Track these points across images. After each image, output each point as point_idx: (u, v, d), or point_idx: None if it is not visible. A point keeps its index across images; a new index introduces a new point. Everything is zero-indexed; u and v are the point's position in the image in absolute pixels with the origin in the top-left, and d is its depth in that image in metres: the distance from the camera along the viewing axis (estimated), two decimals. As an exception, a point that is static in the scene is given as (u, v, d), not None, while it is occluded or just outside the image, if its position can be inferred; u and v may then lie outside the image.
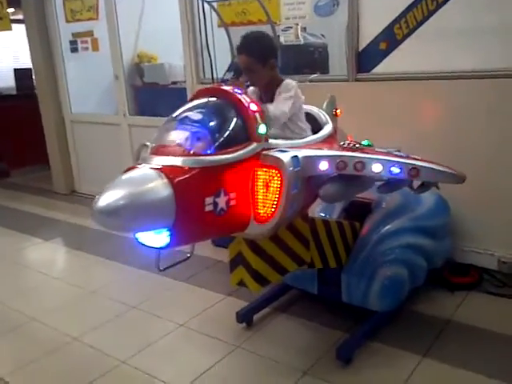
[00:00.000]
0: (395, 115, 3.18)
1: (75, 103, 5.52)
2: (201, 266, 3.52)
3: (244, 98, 1.85)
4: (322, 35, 3.67)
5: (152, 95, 4.98)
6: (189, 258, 2.15)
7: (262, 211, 1.85)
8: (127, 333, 2.77)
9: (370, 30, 3.27)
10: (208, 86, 2.03)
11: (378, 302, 2.50)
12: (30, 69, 6.10)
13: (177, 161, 1.64)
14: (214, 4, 3.93)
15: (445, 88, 3.01)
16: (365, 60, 3.32)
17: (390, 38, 3.19)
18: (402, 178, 1.90)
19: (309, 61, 3.69)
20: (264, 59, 2.22)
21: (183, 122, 1.80)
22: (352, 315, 2.65)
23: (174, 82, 4.99)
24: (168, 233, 1.62)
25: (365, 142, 2.25)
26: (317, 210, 2.78)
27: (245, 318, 2.71)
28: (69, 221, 4.78)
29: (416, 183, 2.09)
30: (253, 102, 1.87)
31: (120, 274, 3.49)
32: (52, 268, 3.77)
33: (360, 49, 3.32)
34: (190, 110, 1.86)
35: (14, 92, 7.52)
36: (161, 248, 1.70)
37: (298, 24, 3.54)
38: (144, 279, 3.40)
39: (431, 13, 3.00)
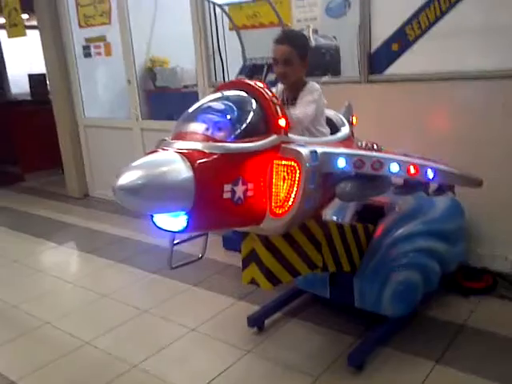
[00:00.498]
0: (408, 117, 3.15)
1: (88, 108, 5.58)
2: (212, 270, 3.52)
3: (265, 92, 1.87)
4: (334, 37, 3.65)
5: (164, 99, 5.00)
6: (200, 258, 2.16)
7: (278, 205, 1.84)
8: (139, 337, 2.77)
9: (381, 31, 3.25)
10: (231, 80, 2.06)
11: (391, 307, 2.47)
12: (44, 74, 6.18)
13: (198, 145, 1.66)
14: (226, 7, 3.94)
15: (459, 89, 2.97)
16: (377, 61, 3.30)
17: (402, 39, 3.16)
18: (419, 179, 1.88)
19: (320, 63, 3.66)
20: (304, 54, 2.25)
21: (206, 111, 1.83)
22: (364, 320, 2.62)
23: (186, 86, 5.00)
24: (186, 216, 1.63)
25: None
26: (329, 213, 2.75)
27: (256, 322, 2.69)
28: (82, 225, 4.82)
29: (432, 187, 2.07)
30: (274, 95, 1.89)
31: (132, 278, 3.50)
32: (65, 272, 3.79)
33: (372, 50, 3.30)
34: (212, 100, 1.89)
35: (29, 97, 7.62)
36: (177, 232, 1.71)
37: (309, 26, 3.52)
38: (156, 283, 3.41)
39: (444, 13, 2.97)
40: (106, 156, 5.37)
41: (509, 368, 2.25)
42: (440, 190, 2.05)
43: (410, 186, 2.04)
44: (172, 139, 1.75)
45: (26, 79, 7.81)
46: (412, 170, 1.86)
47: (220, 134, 1.73)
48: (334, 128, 2.43)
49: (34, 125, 6.55)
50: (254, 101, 1.87)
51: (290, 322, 2.76)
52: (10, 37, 5.78)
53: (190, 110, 1.88)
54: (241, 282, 3.26)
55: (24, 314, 3.09)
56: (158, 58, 5.27)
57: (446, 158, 2.73)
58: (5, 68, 8.56)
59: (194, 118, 1.82)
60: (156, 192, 1.53)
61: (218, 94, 1.94)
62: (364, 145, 2.13)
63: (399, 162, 1.87)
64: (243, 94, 1.91)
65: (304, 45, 2.29)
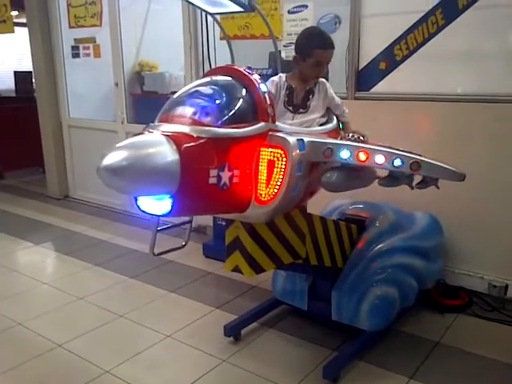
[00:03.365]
0: (392, 135, 3.18)
1: (73, 108, 5.53)
2: (191, 277, 3.50)
3: (255, 79, 1.87)
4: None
5: (151, 104, 4.93)
6: (184, 246, 2.13)
7: (264, 192, 1.84)
8: (113, 342, 2.73)
9: (370, 50, 3.31)
10: (221, 65, 2.05)
11: (368, 321, 2.49)
12: (31, 72, 6.11)
13: (185, 129, 1.65)
14: (218, 17, 3.96)
15: (443, 110, 3.04)
16: (364, 79, 3.35)
17: (390, 59, 3.23)
18: (404, 171, 1.90)
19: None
20: None
21: (193, 95, 1.81)
22: (341, 333, 2.63)
23: (174, 92, 4.99)
24: (170, 200, 1.61)
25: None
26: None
27: (232, 331, 2.68)
28: (61, 226, 4.75)
29: (416, 180, 2.09)
30: (262, 82, 1.89)
31: (109, 282, 3.46)
32: (41, 273, 3.72)
33: (360, 68, 3.35)
34: (200, 85, 1.87)
35: (14, 94, 7.52)
36: (161, 215, 1.69)
37: (299, 40, 3.56)
38: (133, 288, 3.37)
39: (432, 35, 3.04)
40: (89, 158, 5.29)
41: (480, 386, 2.28)
42: (424, 183, 2.06)
43: (395, 177, 2.06)
44: (159, 122, 1.73)
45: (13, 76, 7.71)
46: (397, 163, 1.86)
47: (207, 119, 1.72)
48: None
49: (17, 122, 6.46)
50: (242, 87, 1.85)
51: (266, 333, 2.76)
52: (-3, 33, 5.73)
53: (178, 93, 1.86)
54: (219, 291, 3.29)
55: (-4, 313, 3.03)
56: (146, 63, 5.27)
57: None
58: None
59: (181, 101, 1.81)
60: (140, 174, 1.51)
61: (207, 79, 1.92)
62: (351, 136, 2.18)
63: (384, 154, 1.87)
64: (232, 79, 1.89)
65: None
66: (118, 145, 1.54)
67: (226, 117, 1.76)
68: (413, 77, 3.19)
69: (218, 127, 1.71)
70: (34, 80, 6.11)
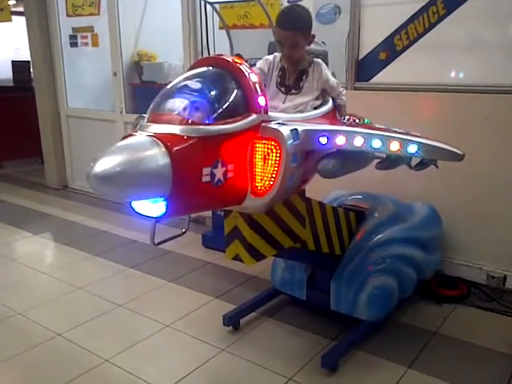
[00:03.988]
0: (392, 125, 3.18)
1: (71, 98, 5.50)
2: (190, 267, 3.51)
3: (244, 68, 1.81)
4: (323, 42, 3.68)
5: (149, 94, 4.86)
6: (184, 233, 2.11)
7: (259, 184, 1.82)
8: (112, 331, 2.74)
9: (370, 40, 3.29)
10: (209, 55, 1.99)
11: (366, 312, 2.50)
12: (28, 61, 6.07)
13: (175, 129, 1.61)
14: (217, 6, 3.94)
15: (443, 101, 3.03)
16: (364, 69, 3.34)
17: (390, 49, 3.21)
18: (402, 154, 1.87)
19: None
20: (308, 32, 2.21)
21: (182, 90, 1.76)
22: (340, 323, 2.65)
23: (172, 82, 4.98)
24: (164, 202, 1.59)
25: (365, 121, 2.24)
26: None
27: (231, 321, 2.69)
28: (59, 216, 4.75)
29: (415, 161, 2.07)
30: (252, 72, 1.84)
31: (108, 272, 3.46)
32: (40, 262, 3.73)
33: (360, 58, 3.33)
34: (189, 78, 1.82)
35: (11, 84, 7.47)
36: (156, 217, 1.67)
37: (299, 30, 3.54)
38: (132, 278, 3.38)
39: (432, 25, 3.02)
40: (87, 148, 5.29)
41: (478, 376, 2.29)
42: (422, 164, 2.04)
43: (392, 160, 2.04)
44: (148, 121, 1.69)
45: (10, 65, 7.66)
46: (394, 147, 1.83)
47: (197, 115, 1.67)
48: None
49: (15, 112, 6.43)
50: (232, 79, 1.80)
51: (265, 322, 2.77)
52: (-6, 21, 5.69)
53: (166, 89, 1.81)
54: (218, 280, 3.30)
55: (-5, 303, 3.04)
56: (145, 52, 5.24)
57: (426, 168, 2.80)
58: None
59: (170, 98, 1.76)
60: (131, 180, 1.48)
61: (194, 72, 1.86)
62: (347, 120, 2.12)
63: (382, 138, 1.84)
64: (221, 71, 1.84)
65: (308, 24, 2.21)
66: (106, 150, 1.50)
67: (217, 112, 1.71)
68: (413, 67, 3.17)
69: (209, 125, 1.67)
70: (31, 69, 6.07)
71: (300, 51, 2.22)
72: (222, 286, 3.21)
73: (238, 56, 2.02)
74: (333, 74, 2.36)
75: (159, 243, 1.98)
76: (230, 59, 1.85)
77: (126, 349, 2.54)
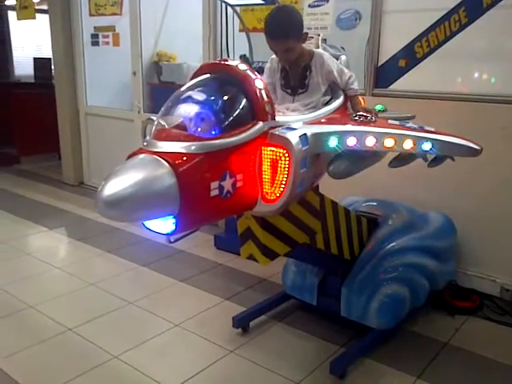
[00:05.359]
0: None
1: (90, 96, 5.56)
2: (201, 267, 3.52)
3: (250, 74, 1.76)
4: (342, 48, 3.68)
5: (168, 94, 4.95)
6: (198, 229, 2.11)
7: (269, 191, 1.79)
8: (122, 328, 2.76)
9: (390, 47, 3.27)
10: (213, 61, 1.93)
11: (377, 320, 2.48)
12: (50, 59, 6.17)
13: (180, 147, 1.58)
14: (238, 9, 3.96)
15: (460, 109, 2.99)
16: (383, 76, 3.32)
17: (410, 56, 3.19)
18: (415, 152, 1.83)
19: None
20: (300, 33, 2.17)
21: (187, 101, 1.74)
22: (349, 330, 2.63)
23: (190, 84, 5.01)
24: (173, 220, 1.59)
25: (378, 107, 2.20)
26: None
27: (241, 323, 2.69)
28: (75, 212, 4.80)
29: (430, 156, 2.03)
30: (258, 78, 1.79)
31: (120, 269, 3.49)
32: (54, 257, 3.77)
33: (379, 64, 3.32)
34: (193, 87, 1.79)
35: (32, 80, 7.59)
36: (167, 234, 1.65)
37: (319, 35, 3.54)
38: (144, 276, 3.40)
39: (453, 34, 2.99)
40: (105, 146, 5.35)
41: (488, 389, 2.26)
42: (437, 160, 2.00)
43: (405, 157, 2.00)
44: (154, 138, 1.65)
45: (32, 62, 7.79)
46: (408, 145, 1.78)
47: (203, 128, 1.65)
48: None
49: (35, 108, 6.52)
50: (237, 86, 1.76)
51: (275, 326, 2.76)
52: (19, 19, 5.79)
53: (172, 99, 1.79)
54: (229, 282, 3.30)
55: (8, 295, 3.07)
56: (165, 53, 5.29)
57: (442, 175, 2.77)
58: (11, 50, 8.53)
59: (175, 110, 1.74)
60: (139, 203, 1.48)
61: (200, 80, 1.82)
62: (358, 117, 2.04)
63: (394, 137, 1.80)
64: (226, 78, 1.80)
65: (297, 26, 2.14)
66: (111, 174, 1.50)
67: (223, 124, 1.68)
68: (432, 75, 3.15)
69: (215, 139, 1.64)
70: (52, 67, 6.16)
71: (295, 53, 2.18)
72: (233, 287, 3.21)
73: (244, 58, 1.98)
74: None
75: (175, 241, 1.98)
76: (234, 65, 1.80)
77: (135, 346, 2.55)
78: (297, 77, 2.21)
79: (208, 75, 1.84)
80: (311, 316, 2.81)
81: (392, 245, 2.66)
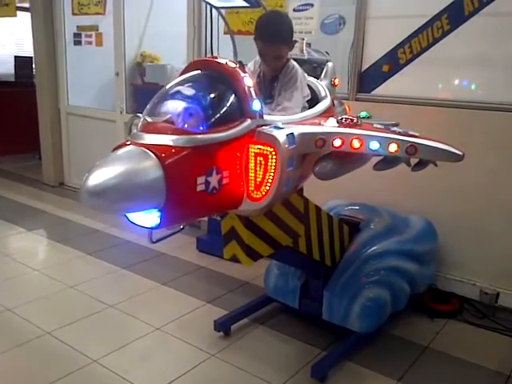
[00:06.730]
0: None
1: (72, 95, 5.50)
2: (183, 270, 3.49)
3: (238, 72, 1.77)
4: (327, 52, 3.70)
5: (151, 95, 4.91)
6: (181, 229, 2.09)
7: (255, 189, 1.79)
8: (102, 332, 2.72)
9: (374, 52, 3.30)
10: (201, 58, 1.93)
11: (358, 323, 2.49)
12: (31, 57, 6.07)
13: (168, 139, 1.58)
14: (223, 11, 3.95)
15: (443, 115, 3.03)
16: (366, 80, 3.35)
17: (393, 62, 3.22)
18: (400, 156, 1.86)
19: (311, 76, 3.71)
20: (290, 41, 2.18)
21: (175, 96, 1.73)
22: (331, 333, 2.63)
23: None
24: (158, 213, 1.57)
25: (363, 114, 2.22)
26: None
27: (223, 326, 2.67)
28: (54, 213, 4.73)
29: (413, 160, 2.06)
30: (247, 76, 1.79)
31: (101, 272, 3.44)
32: (32, 259, 3.70)
33: (363, 69, 3.35)
34: (182, 83, 1.79)
35: (13, 79, 7.46)
36: (151, 228, 1.65)
37: (303, 39, 3.55)
38: (124, 279, 3.36)
39: (436, 40, 3.03)
40: (86, 146, 5.28)
41: (467, 392, 2.29)
42: (421, 165, 2.03)
43: (390, 161, 2.03)
44: (141, 131, 1.65)
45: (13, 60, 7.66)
46: (392, 148, 1.81)
47: (191, 122, 1.65)
48: (314, 97, 2.37)
49: (15, 107, 6.42)
50: (226, 83, 1.76)
51: (256, 329, 2.75)
52: (-1, 16, 5.69)
53: (160, 94, 1.78)
54: (211, 285, 3.28)
55: (-15, 297, 3.01)
56: (149, 54, 5.25)
57: (425, 181, 2.80)
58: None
59: (163, 104, 1.73)
60: (124, 194, 1.46)
61: (189, 76, 1.83)
62: (344, 120, 2.05)
63: (380, 140, 1.83)
64: (215, 75, 1.81)
65: (290, 33, 2.16)
66: (98, 164, 1.48)
67: (211, 119, 1.68)
68: (415, 81, 3.19)
69: (203, 133, 1.64)
70: (34, 65, 6.07)
71: (283, 61, 2.20)
72: (215, 290, 3.19)
73: (240, 63, 1.99)
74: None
75: (157, 241, 1.96)
76: (223, 62, 1.81)
77: (114, 350, 2.51)
78: (267, 86, 2.22)
79: (197, 72, 1.84)
80: (293, 319, 2.81)
81: (374, 248, 2.68)
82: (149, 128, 1.65)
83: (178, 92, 1.74)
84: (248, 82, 1.77)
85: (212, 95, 1.75)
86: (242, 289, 3.23)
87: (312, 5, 3.54)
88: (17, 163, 6.62)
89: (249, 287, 3.25)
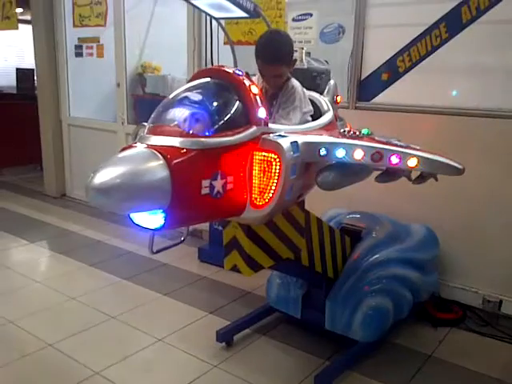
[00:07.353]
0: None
1: (73, 107, 5.52)
2: (185, 281, 3.49)
3: (245, 80, 1.81)
4: (326, 61, 3.71)
5: (152, 106, 4.88)
6: (182, 241, 2.09)
7: (258, 196, 1.81)
8: (104, 343, 2.71)
9: (373, 61, 3.32)
10: (209, 67, 1.98)
11: (361, 332, 2.48)
12: (33, 69, 6.11)
13: (174, 141, 1.60)
14: (222, 22, 3.97)
15: (442, 123, 3.04)
16: (366, 89, 3.36)
17: (393, 70, 3.24)
18: (402, 167, 1.86)
19: (311, 85, 3.72)
20: (291, 60, 2.20)
21: (182, 102, 1.76)
22: (334, 343, 2.62)
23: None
24: (163, 214, 1.58)
25: (365, 131, 2.24)
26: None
27: (225, 337, 2.66)
28: (57, 224, 4.73)
29: (414, 174, 2.06)
30: (253, 84, 1.83)
31: (103, 283, 3.44)
32: (34, 271, 3.70)
33: (362, 78, 3.36)
34: (189, 90, 1.82)
35: (15, 91, 7.51)
36: (155, 229, 1.65)
37: (303, 48, 3.57)
38: (126, 290, 3.36)
39: (435, 48, 3.05)
40: (88, 157, 5.30)
41: (471, 401, 2.27)
42: (422, 178, 2.04)
43: (392, 173, 2.03)
44: (148, 133, 1.68)
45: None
46: (394, 160, 1.83)
47: (198, 127, 1.67)
48: (317, 112, 2.38)
49: (17, 119, 6.45)
50: (233, 90, 1.80)
51: (259, 340, 2.74)
52: (1, 29, 5.72)
53: (167, 100, 1.81)
54: (213, 295, 3.27)
55: (-13, 310, 3.01)
56: (149, 64, 5.28)
57: (425, 188, 2.80)
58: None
59: (170, 109, 1.76)
60: (130, 193, 1.47)
61: (196, 83, 1.86)
62: (347, 132, 2.08)
63: (381, 152, 1.84)
64: (222, 82, 1.84)
65: (290, 52, 2.19)
66: (105, 162, 1.50)
67: (217, 124, 1.71)
68: (414, 89, 3.20)
69: (209, 137, 1.66)
70: (35, 77, 6.11)
71: (283, 79, 2.22)
72: (217, 301, 3.19)
73: (247, 74, 2.01)
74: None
75: (158, 251, 1.96)
76: (231, 71, 1.85)
77: (117, 362, 2.51)
78: (266, 103, 2.23)
79: (205, 79, 1.87)
80: (295, 329, 2.80)
81: (375, 257, 2.67)
82: (156, 131, 1.68)
83: (185, 98, 1.77)
84: (254, 89, 1.81)
85: (218, 102, 1.79)
86: (244, 299, 3.23)
87: (311, 14, 3.56)
88: (19, 175, 6.64)
89: (251, 297, 3.24)
